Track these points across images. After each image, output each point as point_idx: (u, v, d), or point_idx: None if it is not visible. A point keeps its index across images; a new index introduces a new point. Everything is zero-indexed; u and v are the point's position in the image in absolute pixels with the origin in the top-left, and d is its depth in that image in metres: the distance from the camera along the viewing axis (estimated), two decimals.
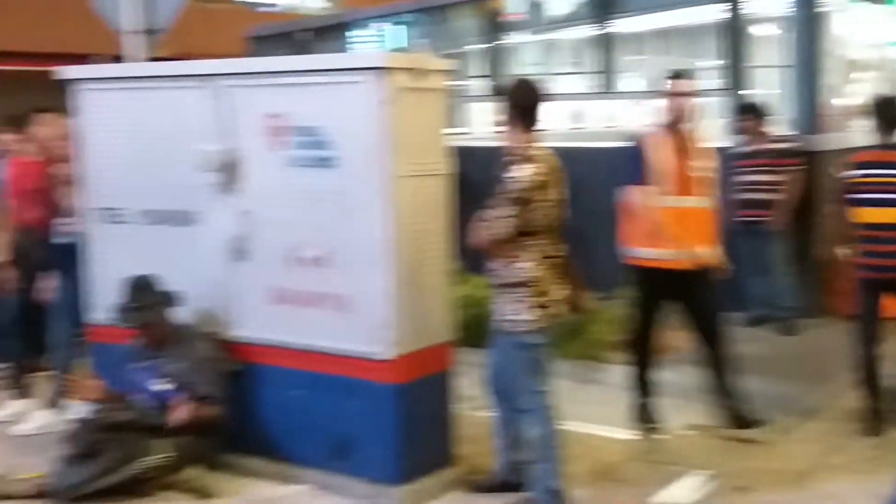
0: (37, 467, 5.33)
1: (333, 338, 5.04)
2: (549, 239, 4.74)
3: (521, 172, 4.58)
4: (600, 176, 7.91)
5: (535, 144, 4.73)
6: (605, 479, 5.31)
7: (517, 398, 4.84)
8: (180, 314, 5.47)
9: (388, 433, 4.94)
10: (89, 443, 5.10)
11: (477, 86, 11.27)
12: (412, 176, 4.90)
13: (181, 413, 5.15)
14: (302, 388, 5.18)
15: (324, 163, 4.98)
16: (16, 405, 6.57)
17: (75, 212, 6.00)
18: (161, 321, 5.40)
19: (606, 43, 10.00)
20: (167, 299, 5.40)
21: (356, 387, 4.98)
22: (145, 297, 5.37)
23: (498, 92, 4.97)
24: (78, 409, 5.74)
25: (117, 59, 7.34)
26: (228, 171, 5.28)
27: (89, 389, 5.45)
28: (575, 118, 10.49)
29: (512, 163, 4.65)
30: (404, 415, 4.94)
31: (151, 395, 5.29)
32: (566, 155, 4.93)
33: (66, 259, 6.05)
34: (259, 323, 5.32)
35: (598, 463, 5.48)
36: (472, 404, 5.51)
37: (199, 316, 5.49)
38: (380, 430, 4.95)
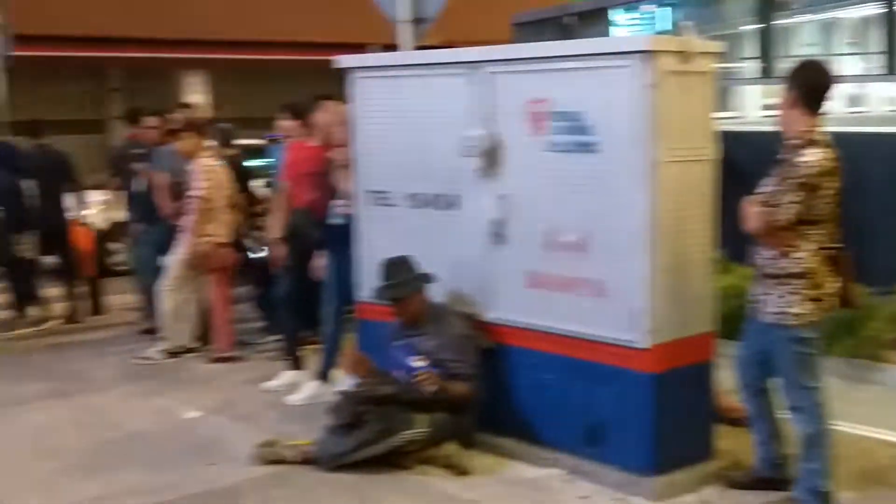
0: (305, 435, 5.63)
1: (589, 323, 5.01)
2: (826, 229, 4.49)
3: (811, 157, 4.36)
4: (883, 163, 7.43)
5: (818, 129, 4.48)
6: (876, 484, 4.99)
7: (786, 394, 4.64)
8: (438, 294, 5.60)
9: (642, 422, 4.86)
10: (353, 414, 5.33)
11: (748, 68, 10.85)
12: (676, 161, 4.78)
13: (429, 383, 5.29)
14: (556, 372, 5.19)
15: (585, 148, 4.94)
16: (288, 376, 6.95)
17: (349, 194, 6.26)
18: (415, 299, 5.56)
19: (892, 21, 9.35)
20: (422, 279, 5.56)
21: (611, 374, 4.92)
22: (400, 275, 5.54)
23: (782, 74, 4.73)
24: (344, 382, 6.02)
25: (391, 47, 7.60)
26: (490, 156, 5.34)
27: (355, 364, 5.69)
28: (853, 101, 9.90)
29: (796, 147, 4.43)
30: (660, 405, 4.83)
31: (409, 371, 5.45)
32: (844, 140, 4.65)
33: (340, 239, 6.33)
34: (515, 306, 5.36)
35: (870, 466, 5.16)
36: (736, 397, 5.31)
37: (456, 297, 5.61)
38: (634, 419, 4.87)
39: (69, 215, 9.52)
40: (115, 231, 11.16)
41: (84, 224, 9.93)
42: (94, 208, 10.90)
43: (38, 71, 16.52)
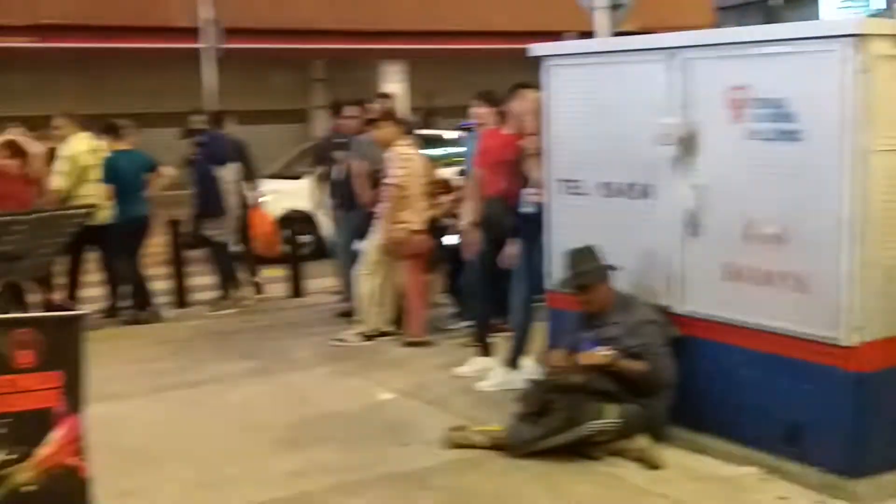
0: (494, 421, 5.68)
1: (789, 319, 4.83)
2: None
3: None
4: None
5: None
6: None
7: None
8: (628, 285, 5.53)
9: (846, 423, 4.65)
10: (542, 402, 5.33)
11: None
12: (889, 150, 4.54)
13: (591, 358, 5.25)
14: (754, 369, 5.03)
15: (787, 136, 4.76)
16: (479, 362, 7.02)
17: (541, 183, 6.26)
18: (600, 289, 5.50)
19: None
20: (607, 268, 5.49)
21: (813, 371, 4.73)
22: (585, 265, 5.50)
23: None
24: (533, 370, 6.03)
25: (587, 35, 7.55)
26: (686, 145, 5.22)
27: (548, 354, 5.69)
28: None
29: None
30: (866, 405, 4.62)
31: None
32: None
33: (531, 227, 6.33)
34: (709, 298, 5.23)
35: None
36: None
37: (647, 288, 5.51)
38: (837, 419, 4.67)
39: (248, 202, 9.94)
40: (298, 218, 11.55)
41: (263, 210, 10.30)
42: (275, 195, 11.30)
43: (245, 63, 17.28)
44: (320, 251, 10.78)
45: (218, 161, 9.62)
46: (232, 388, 7.01)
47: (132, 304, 9.23)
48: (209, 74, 15.67)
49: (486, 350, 7.09)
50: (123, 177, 9.01)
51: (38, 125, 10.13)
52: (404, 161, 7.86)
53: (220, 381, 7.20)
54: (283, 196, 11.61)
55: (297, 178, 12.52)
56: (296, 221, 11.40)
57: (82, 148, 9.08)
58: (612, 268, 5.50)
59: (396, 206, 7.82)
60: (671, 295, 5.43)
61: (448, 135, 12.50)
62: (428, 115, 12.90)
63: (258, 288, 10.15)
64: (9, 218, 4.85)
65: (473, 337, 7.31)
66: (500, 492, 4.99)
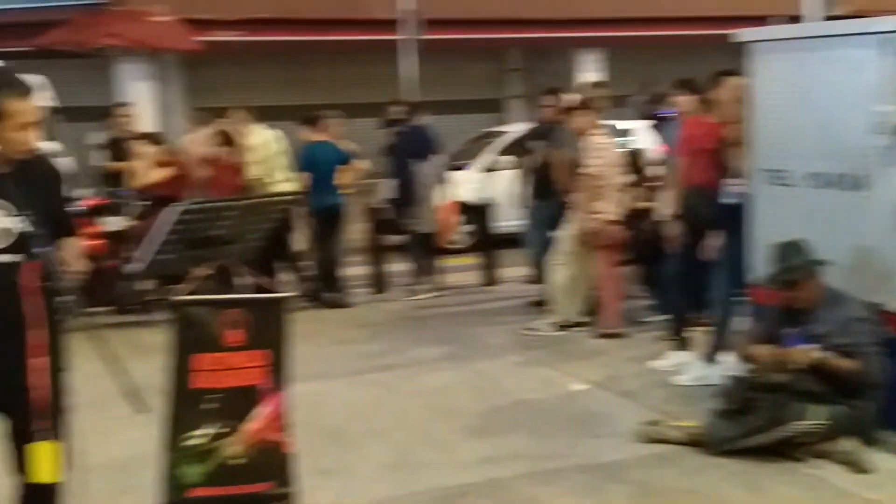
0: (689, 416, 5.55)
1: None
2: None
3: None
4: None
5: None
6: None
7: None
8: (837, 281, 5.28)
9: None
10: (743, 400, 5.17)
11: None
12: None
13: (799, 356, 5.05)
14: None
15: None
16: (675, 356, 6.88)
17: (743, 173, 6.06)
18: (808, 285, 5.27)
19: None
20: (816, 263, 5.26)
21: None
22: (793, 259, 5.27)
23: None
24: (733, 366, 5.85)
25: (795, 19, 7.26)
26: None
27: (751, 350, 5.51)
28: None
29: None
30: None
31: None
32: None
33: (732, 219, 6.15)
34: None
35: None
36: None
37: (857, 284, 5.25)
38: None
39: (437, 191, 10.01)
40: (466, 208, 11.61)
41: (449, 199, 10.34)
42: (464, 184, 11.35)
43: (442, 53, 17.50)
44: (487, 242, 10.77)
45: (416, 152, 9.76)
46: (426, 372, 7.13)
47: (323, 288, 9.52)
48: (408, 65, 15.98)
49: (682, 344, 6.94)
50: (318, 167, 9.30)
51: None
52: (599, 150, 7.78)
53: (415, 365, 7.34)
54: (452, 186, 11.69)
55: (461, 168, 12.60)
56: (464, 211, 11.48)
57: (259, 140, 9.40)
58: (821, 263, 5.27)
59: (592, 196, 7.75)
60: (884, 291, 5.17)
61: (621, 125, 12.22)
62: (651, 103, 12.60)
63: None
64: (221, 203, 5.09)
65: (670, 330, 7.17)
66: (696, 489, 4.87)
